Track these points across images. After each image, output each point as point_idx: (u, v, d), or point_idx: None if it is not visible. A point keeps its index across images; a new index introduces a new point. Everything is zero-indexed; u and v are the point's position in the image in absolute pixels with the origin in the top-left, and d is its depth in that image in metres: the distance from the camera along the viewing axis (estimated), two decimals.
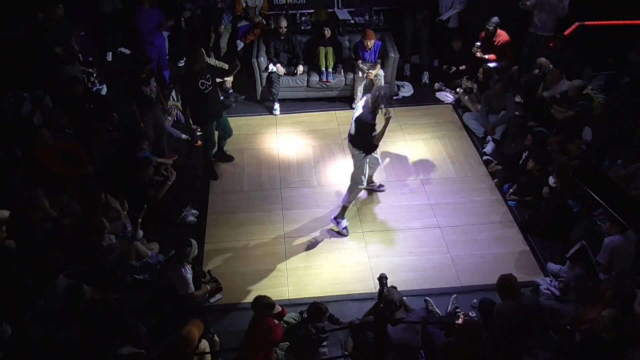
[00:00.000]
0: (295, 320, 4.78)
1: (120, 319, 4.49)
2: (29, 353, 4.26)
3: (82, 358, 4.32)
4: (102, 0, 8.34)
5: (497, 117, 7.05)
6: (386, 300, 4.26)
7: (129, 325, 4.57)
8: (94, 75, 8.02)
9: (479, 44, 7.82)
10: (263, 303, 4.43)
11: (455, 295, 5.12)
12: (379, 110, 5.29)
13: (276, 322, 4.55)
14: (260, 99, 8.04)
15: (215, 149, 6.70)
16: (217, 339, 4.54)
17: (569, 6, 7.52)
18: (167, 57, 8.77)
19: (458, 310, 4.93)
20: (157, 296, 5.02)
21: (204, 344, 4.35)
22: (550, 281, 5.18)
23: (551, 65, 7.10)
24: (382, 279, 4.84)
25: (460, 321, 4.77)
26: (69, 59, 7.00)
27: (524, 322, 4.32)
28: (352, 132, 5.50)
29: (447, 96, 8.13)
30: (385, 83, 7.81)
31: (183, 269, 4.82)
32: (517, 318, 4.29)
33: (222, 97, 7.87)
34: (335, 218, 5.84)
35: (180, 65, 8.26)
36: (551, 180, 5.73)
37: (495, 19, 7.70)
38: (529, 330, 4.38)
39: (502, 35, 7.79)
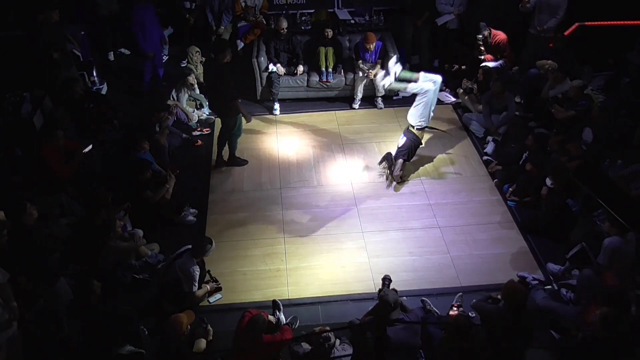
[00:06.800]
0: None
1: (126, 320, 4.51)
2: (29, 352, 4.26)
3: (83, 357, 4.32)
4: (99, 4, 8.31)
5: (499, 117, 7.05)
6: (381, 301, 4.26)
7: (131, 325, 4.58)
8: (94, 74, 8.02)
9: (484, 51, 7.83)
10: (261, 322, 4.20)
11: (460, 293, 5.11)
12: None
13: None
14: (260, 99, 8.04)
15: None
16: (211, 328, 4.55)
17: (570, 7, 7.52)
18: (166, 56, 8.77)
19: (461, 309, 4.92)
20: (161, 292, 5.02)
21: (202, 343, 4.36)
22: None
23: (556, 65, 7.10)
24: (385, 280, 4.87)
25: (452, 313, 4.78)
26: (66, 64, 6.98)
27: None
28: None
29: (447, 96, 8.12)
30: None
31: (193, 267, 4.85)
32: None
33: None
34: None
35: (183, 65, 8.26)
36: (548, 182, 5.74)
37: (482, 24, 7.75)
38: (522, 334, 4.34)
39: (498, 35, 7.80)
